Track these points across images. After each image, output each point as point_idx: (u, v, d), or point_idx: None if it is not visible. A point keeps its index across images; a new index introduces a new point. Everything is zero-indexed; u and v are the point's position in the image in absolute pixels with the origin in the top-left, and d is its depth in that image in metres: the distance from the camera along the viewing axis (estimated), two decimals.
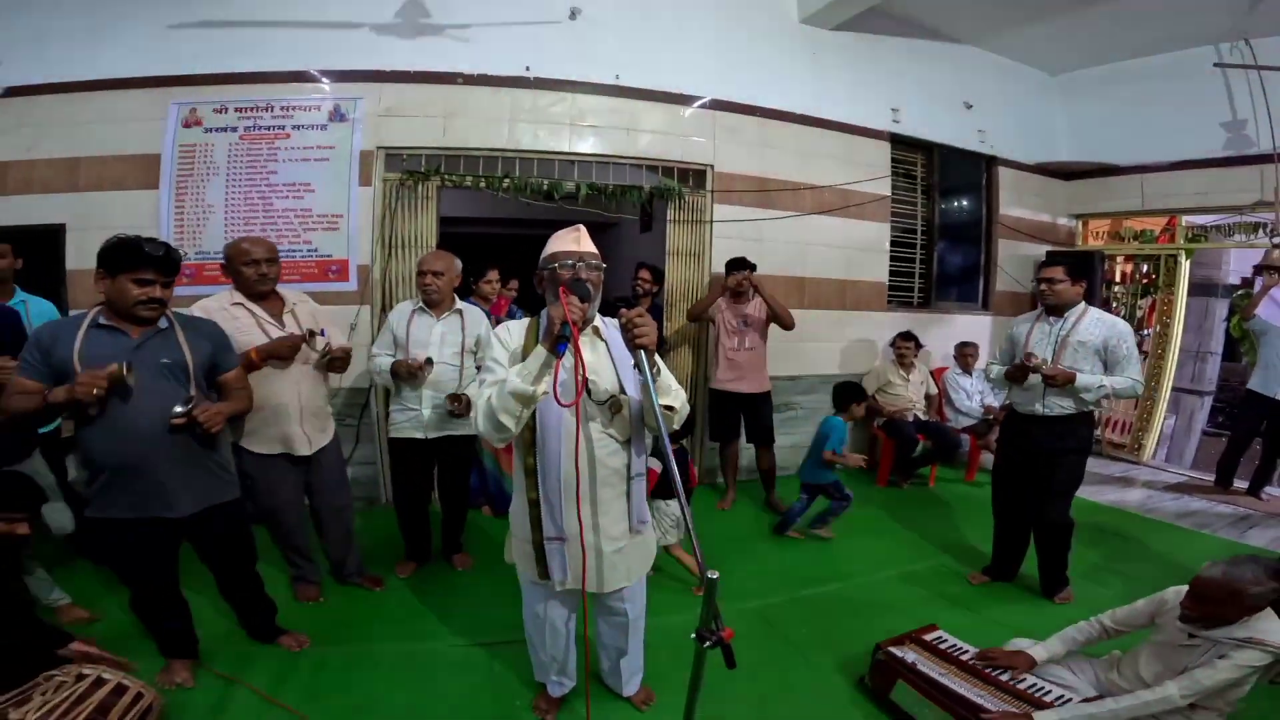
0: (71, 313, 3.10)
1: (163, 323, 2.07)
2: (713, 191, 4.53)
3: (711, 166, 4.52)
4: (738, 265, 4.04)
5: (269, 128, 3.75)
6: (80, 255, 3.64)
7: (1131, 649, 2.24)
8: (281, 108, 3.77)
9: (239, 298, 2.58)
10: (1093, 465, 5.60)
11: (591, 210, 4.26)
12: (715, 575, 1.39)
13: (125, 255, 1.94)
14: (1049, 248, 5.73)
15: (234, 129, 3.73)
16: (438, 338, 2.98)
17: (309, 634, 2.63)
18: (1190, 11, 4.78)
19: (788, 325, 4.07)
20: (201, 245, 3.71)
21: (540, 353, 1.71)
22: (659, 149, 4.40)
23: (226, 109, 3.73)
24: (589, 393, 1.84)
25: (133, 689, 1.90)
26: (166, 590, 2.24)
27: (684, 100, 4.46)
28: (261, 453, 2.63)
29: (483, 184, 4.01)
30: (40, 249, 3.71)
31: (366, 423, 3.93)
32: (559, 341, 1.67)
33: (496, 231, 5.94)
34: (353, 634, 2.72)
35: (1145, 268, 5.85)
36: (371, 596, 3.03)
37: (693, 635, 1.44)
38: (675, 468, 1.57)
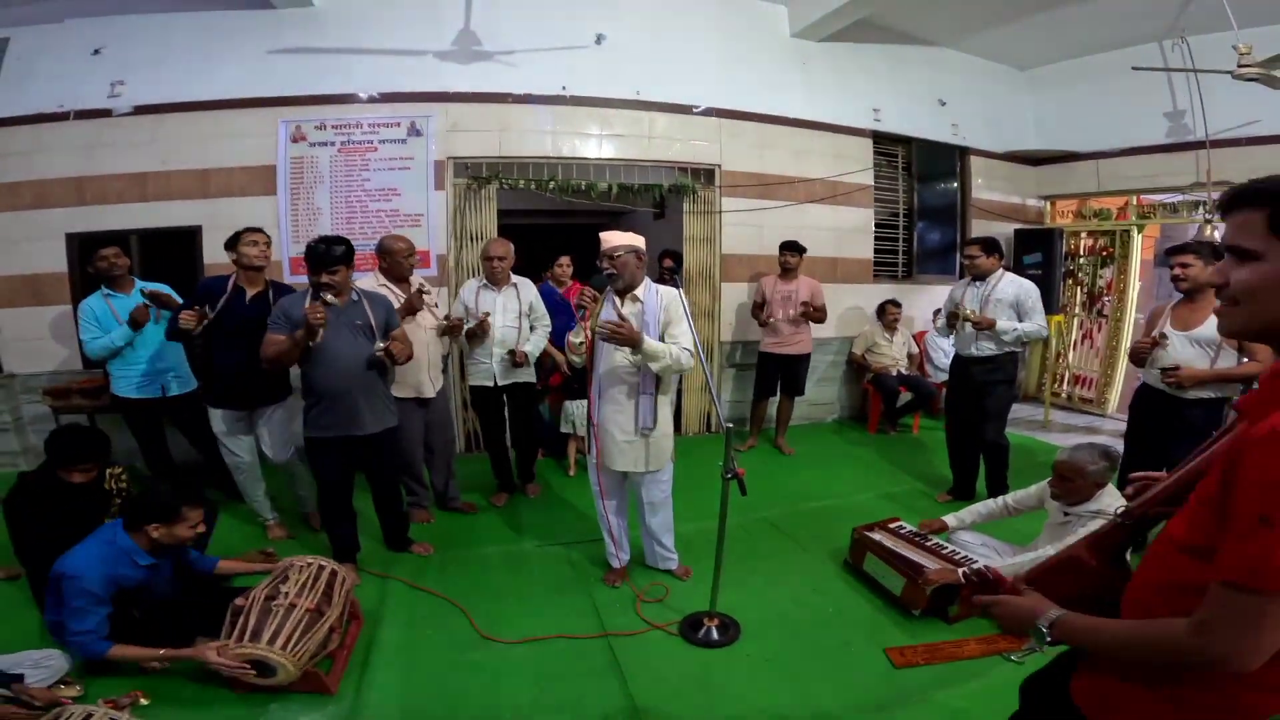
0: None
1: (354, 296, 2.94)
2: (720, 187, 5.35)
3: (719, 166, 5.33)
4: (789, 248, 4.90)
5: (360, 142, 4.60)
6: (214, 251, 4.43)
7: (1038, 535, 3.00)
8: (369, 124, 4.62)
9: (384, 280, 3.47)
10: (1062, 416, 6.43)
11: (616, 204, 5.09)
12: (730, 425, 2.23)
13: (306, 256, 2.83)
14: (1018, 226, 6.50)
15: (333, 143, 4.58)
16: (500, 307, 3.75)
17: (431, 543, 3.47)
18: (1135, 12, 5.45)
19: (820, 321, 4.97)
20: None
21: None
22: (674, 152, 5.21)
23: (325, 126, 4.58)
24: None
25: (340, 573, 2.63)
26: (346, 499, 3.10)
27: (693, 110, 5.26)
28: (399, 396, 3.46)
29: (533, 186, 4.86)
30: (179, 247, 4.58)
31: None
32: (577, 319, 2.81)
33: (544, 222, 6.82)
34: (462, 541, 3.57)
35: (1104, 241, 6.60)
36: (471, 518, 3.88)
37: (721, 469, 2.30)
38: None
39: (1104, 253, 6.65)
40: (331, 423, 2.91)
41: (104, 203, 4.54)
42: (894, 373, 5.65)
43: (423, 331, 3.50)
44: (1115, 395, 6.67)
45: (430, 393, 3.59)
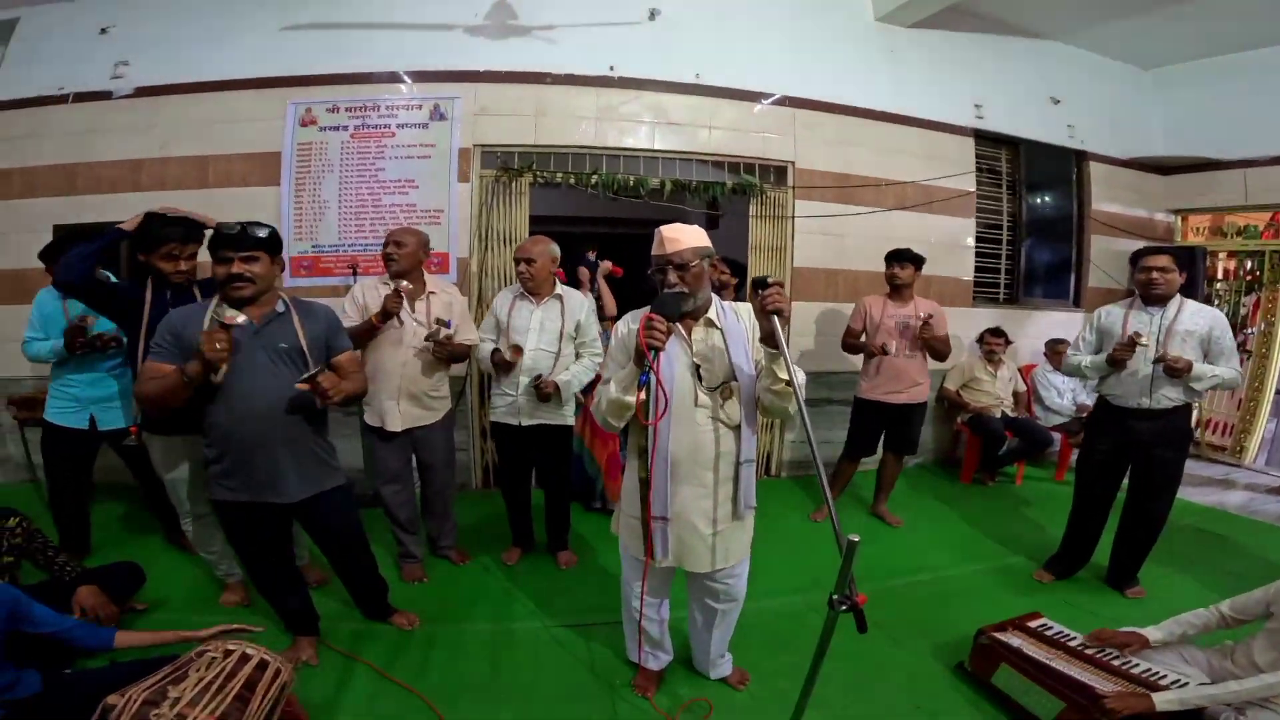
0: None
1: (280, 306, 2.10)
2: (794, 188, 4.56)
3: (792, 163, 4.56)
4: (901, 258, 3.72)
5: (376, 126, 4.00)
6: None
7: (1244, 638, 2.17)
8: (387, 107, 4.01)
9: (387, 278, 2.83)
10: (1192, 467, 5.32)
11: (669, 203, 4.34)
12: (856, 539, 1.40)
13: (211, 241, 2.01)
14: (1146, 244, 5.50)
15: (345, 128, 3.99)
16: (536, 324, 2.97)
17: (418, 613, 2.71)
18: None
19: (942, 357, 3.76)
20: (318, 239, 3.97)
21: (632, 369, 1.84)
22: (739, 146, 4.46)
23: (338, 108, 4.00)
24: (700, 379, 1.92)
25: (273, 664, 1.93)
26: (283, 569, 2.32)
27: (762, 98, 4.51)
28: (368, 423, 2.82)
29: (572, 180, 4.16)
30: None
31: (461, 409, 4.08)
32: (643, 371, 1.78)
33: (585, 230, 6.13)
34: (457, 613, 2.81)
35: (1249, 264, 5.56)
36: (473, 578, 3.13)
37: (833, 597, 1.44)
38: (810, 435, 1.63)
39: (1248, 277, 5.61)
40: (241, 483, 2.09)
41: (95, 192, 4.06)
42: (997, 414, 4.71)
43: (400, 348, 2.80)
44: (1255, 443, 5.58)
45: (395, 426, 2.85)
